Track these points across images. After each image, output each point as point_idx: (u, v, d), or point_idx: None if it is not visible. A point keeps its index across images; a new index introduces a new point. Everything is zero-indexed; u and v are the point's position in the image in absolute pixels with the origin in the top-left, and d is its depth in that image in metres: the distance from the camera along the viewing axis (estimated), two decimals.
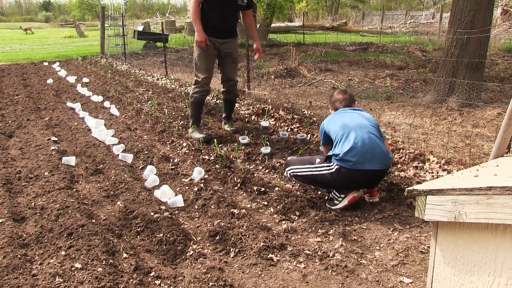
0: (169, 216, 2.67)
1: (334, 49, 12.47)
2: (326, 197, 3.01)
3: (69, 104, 6.00)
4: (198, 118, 4.38)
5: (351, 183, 2.78)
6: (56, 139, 4.37)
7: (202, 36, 3.97)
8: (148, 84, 7.74)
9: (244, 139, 4.17)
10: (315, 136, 4.38)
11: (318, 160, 2.90)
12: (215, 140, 3.96)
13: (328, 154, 2.89)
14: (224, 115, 4.74)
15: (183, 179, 3.35)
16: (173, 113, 5.36)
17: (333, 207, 2.84)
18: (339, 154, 2.73)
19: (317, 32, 20.13)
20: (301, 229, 2.60)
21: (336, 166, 2.76)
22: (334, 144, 2.85)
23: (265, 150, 3.85)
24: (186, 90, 6.82)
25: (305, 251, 2.33)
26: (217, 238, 2.45)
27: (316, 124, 4.70)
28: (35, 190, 3.03)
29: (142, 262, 2.23)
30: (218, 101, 5.87)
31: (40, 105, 6.11)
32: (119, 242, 2.37)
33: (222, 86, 4.60)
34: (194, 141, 4.22)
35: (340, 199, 2.83)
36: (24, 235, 2.42)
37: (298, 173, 2.93)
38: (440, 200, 1.33)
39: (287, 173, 3.02)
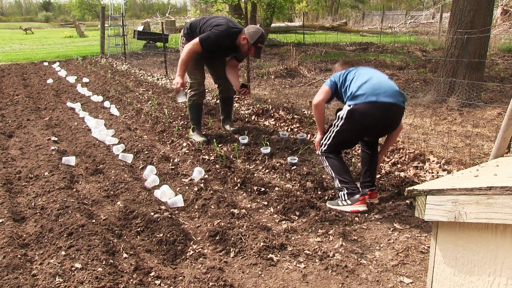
0: (169, 216, 2.67)
1: (334, 49, 12.46)
2: (327, 197, 3.01)
3: (69, 104, 6.00)
4: (198, 120, 4.38)
5: (364, 124, 2.67)
6: (56, 139, 4.37)
7: (180, 83, 3.95)
8: (148, 84, 7.74)
9: (244, 139, 4.17)
10: (315, 136, 4.38)
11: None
12: (215, 140, 3.96)
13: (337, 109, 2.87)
14: (223, 116, 4.72)
15: (183, 179, 3.35)
16: (173, 113, 5.36)
17: (333, 207, 2.84)
18: (352, 91, 2.68)
19: (317, 32, 20.12)
20: (301, 229, 2.60)
21: (348, 108, 2.69)
22: (346, 87, 2.77)
23: (265, 150, 3.85)
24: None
25: (305, 251, 2.34)
26: (217, 238, 2.45)
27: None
28: (35, 190, 3.03)
29: (142, 262, 2.23)
30: (218, 101, 5.87)
31: (40, 105, 6.10)
32: (119, 242, 2.37)
33: (217, 86, 4.61)
34: (194, 141, 4.22)
35: (345, 202, 2.80)
36: (24, 235, 2.42)
37: (325, 149, 2.88)
38: (440, 200, 1.33)
39: (321, 154, 2.96)
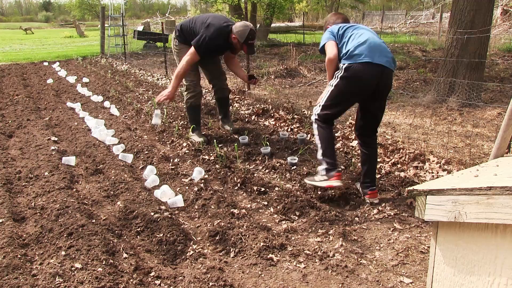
0: (169, 216, 2.67)
1: None
2: (326, 197, 3.01)
3: (69, 104, 6.00)
4: (197, 121, 4.36)
5: (359, 83, 2.74)
6: (56, 139, 4.37)
7: (169, 96, 3.92)
8: (148, 84, 7.74)
9: (244, 139, 4.17)
10: (315, 136, 4.37)
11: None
12: (215, 140, 3.96)
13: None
14: (221, 116, 4.71)
15: (183, 179, 3.35)
16: (173, 113, 5.36)
17: (309, 182, 2.96)
18: (349, 49, 2.75)
19: (317, 32, 20.09)
20: (301, 229, 2.60)
21: (343, 66, 2.75)
22: (343, 44, 2.84)
23: (265, 150, 3.85)
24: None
25: (305, 251, 2.34)
26: (217, 238, 2.45)
27: None
28: (35, 190, 3.03)
29: (142, 262, 2.23)
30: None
31: (40, 105, 6.10)
32: (119, 242, 2.37)
33: (211, 87, 4.59)
34: (194, 142, 4.22)
35: (321, 177, 2.87)
36: (24, 235, 2.42)
37: (320, 110, 2.91)
38: (440, 200, 1.33)
39: (315, 121, 2.97)
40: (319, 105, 2.96)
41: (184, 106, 5.56)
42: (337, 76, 2.82)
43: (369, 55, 2.70)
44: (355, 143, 4.05)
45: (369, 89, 2.78)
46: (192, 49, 3.84)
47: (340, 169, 3.01)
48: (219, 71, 4.44)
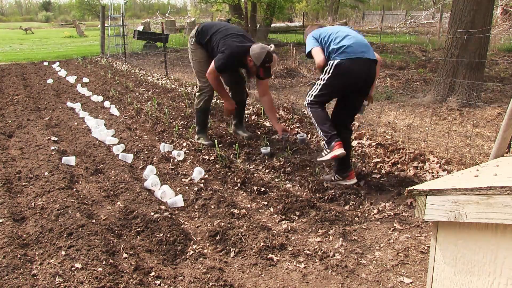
0: (169, 216, 2.67)
1: None
2: (326, 197, 3.01)
3: (69, 104, 6.00)
4: (205, 124, 4.27)
5: (349, 77, 2.92)
6: (56, 139, 4.37)
7: (230, 104, 4.01)
8: (148, 84, 7.74)
9: (266, 149, 3.85)
10: (315, 136, 4.37)
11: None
12: (215, 140, 3.95)
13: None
14: (235, 121, 4.48)
15: (183, 179, 3.35)
16: (173, 113, 5.35)
17: (319, 159, 3.14)
18: (337, 47, 2.92)
19: None
20: (301, 229, 2.60)
21: (334, 62, 2.91)
22: (330, 44, 3.00)
23: (265, 150, 3.85)
24: (186, 90, 6.82)
25: (305, 251, 2.34)
26: (217, 238, 2.45)
27: None
28: (35, 190, 3.03)
29: (142, 262, 2.23)
30: (218, 101, 5.87)
31: (40, 105, 6.10)
32: (119, 242, 2.37)
33: (228, 90, 4.37)
34: (194, 141, 4.22)
35: (325, 152, 3.04)
36: (24, 235, 2.42)
37: (311, 99, 3.06)
38: (440, 200, 1.33)
39: (307, 105, 3.13)
40: (310, 95, 3.10)
41: (185, 106, 5.56)
42: (328, 72, 2.96)
43: (357, 51, 2.88)
44: (355, 143, 4.05)
45: (358, 82, 2.96)
46: (212, 67, 3.79)
47: (338, 138, 3.02)
48: (238, 76, 4.28)
